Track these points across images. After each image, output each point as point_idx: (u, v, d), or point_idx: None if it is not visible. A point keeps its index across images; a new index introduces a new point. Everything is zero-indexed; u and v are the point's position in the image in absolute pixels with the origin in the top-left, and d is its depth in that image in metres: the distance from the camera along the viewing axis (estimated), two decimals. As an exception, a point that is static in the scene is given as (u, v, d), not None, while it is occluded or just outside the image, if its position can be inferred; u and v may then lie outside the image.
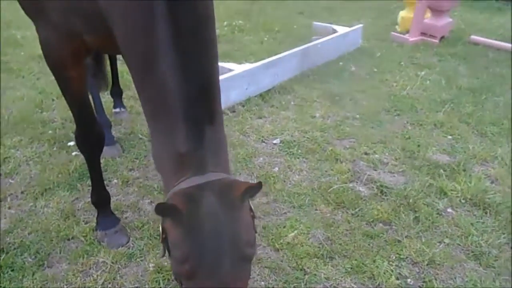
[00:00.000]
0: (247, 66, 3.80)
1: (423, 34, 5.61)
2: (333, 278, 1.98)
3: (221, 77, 3.42)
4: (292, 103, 3.74)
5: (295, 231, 2.25)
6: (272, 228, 2.27)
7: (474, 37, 5.62)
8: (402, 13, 6.04)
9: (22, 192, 2.48)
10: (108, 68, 3.19)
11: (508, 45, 5.31)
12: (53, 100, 3.59)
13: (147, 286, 1.89)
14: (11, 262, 1.97)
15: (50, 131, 3.10)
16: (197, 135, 1.29)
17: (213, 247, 1.25)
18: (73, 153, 2.76)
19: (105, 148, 2.41)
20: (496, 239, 2.23)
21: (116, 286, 1.88)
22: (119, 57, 3.20)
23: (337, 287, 1.94)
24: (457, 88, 4.08)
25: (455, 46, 5.36)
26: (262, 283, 1.95)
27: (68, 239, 2.14)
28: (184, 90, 1.22)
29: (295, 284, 1.93)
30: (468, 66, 4.70)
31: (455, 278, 2.00)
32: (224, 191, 1.28)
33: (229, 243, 1.27)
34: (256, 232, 1.43)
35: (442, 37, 5.62)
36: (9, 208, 2.35)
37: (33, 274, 1.92)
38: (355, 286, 1.95)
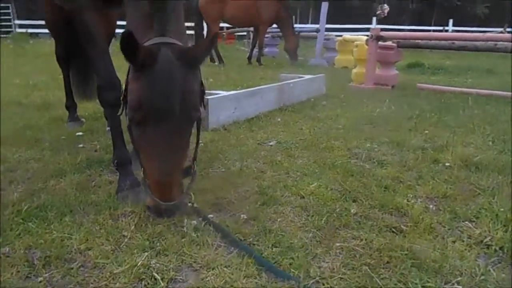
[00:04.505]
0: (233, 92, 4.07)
1: (376, 84, 6.30)
2: (361, 212, 2.04)
3: (210, 97, 3.66)
4: (279, 119, 3.99)
5: (315, 184, 2.33)
6: (292, 184, 2.34)
7: (420, 85, 6.38)
8: (355, 70, 6.80)
9: (28, 178, 2.38)
10: None
11: (452, 88, 6.07)
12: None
13: (185, 221, 1.83)
14: (33, 216, 1.86)
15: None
16: (160, 3, 1.63)
17: (164, 98, 1.51)
18: (80, 145, 2.73)
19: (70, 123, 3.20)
20: (494, 179, 2.44)
21: (150, 226, 1.81)
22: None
23: (367, 217, 1.99)
24: (419, 108, 4.56)
25: (406, 91, 6.04)
26: (296, 218, 1.96)
27: (89, 204, 2.06)
28: None
29: (327, 215, 1.97)
30: (422, 100, 5.29)
31: (469, 206, 2.13)
32: (180, 53, 1.57)
33: (179, 98, 1.54)
34: (203, 105, 1.82)
35: (393, 86, 6.33)
36: (14, 193, 2.23)
37: (60, 219, 1.82)
38: (384, 215, 2.02)
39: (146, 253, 1.59)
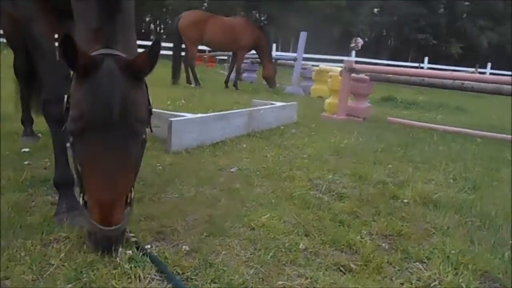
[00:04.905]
0: (199, 115, 4.00)
1: (348, 115, 6.35)
2: (312, 247, 1.96)
3: (174, 119, 3.58)
4: (245, 145, 3.92)
5: (268, 215, 2.24)
6: (244, 214, 2.25)
7: (391, 118, 6.47)
8: (328, 100, 6.85)
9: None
10: None
11: (421, 123, 6.17)
12: None
13: (120, 250, 1.71)
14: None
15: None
16: (107, 16, 1.60)
17: (105, 106, 1.47)
18: (26, 162, 2.58)
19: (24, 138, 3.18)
20: (450, 218, 2.41)
21: (83, 255, 1.68)
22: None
23: (316, 253, 1.91)
24: (386, 142, 4.58)
25: (377, 123, 6.10)
26: (242, 251, 1.87)
27: (21, 226, 1.91)
28: None
29: (275, 250, 1.88)
30: (391, 133, 5.34)
31: (422, 245, 2.08)
32: (123, 64, 1.54)
33: (121, 110, 1.49)
34: (150, 126, 1.74)
35: (364, 118, 6.39)
36: None
37: (-18, 244, 1.67)
38: (334, 252, 1.94)
39: (69, 285, 1.46)
